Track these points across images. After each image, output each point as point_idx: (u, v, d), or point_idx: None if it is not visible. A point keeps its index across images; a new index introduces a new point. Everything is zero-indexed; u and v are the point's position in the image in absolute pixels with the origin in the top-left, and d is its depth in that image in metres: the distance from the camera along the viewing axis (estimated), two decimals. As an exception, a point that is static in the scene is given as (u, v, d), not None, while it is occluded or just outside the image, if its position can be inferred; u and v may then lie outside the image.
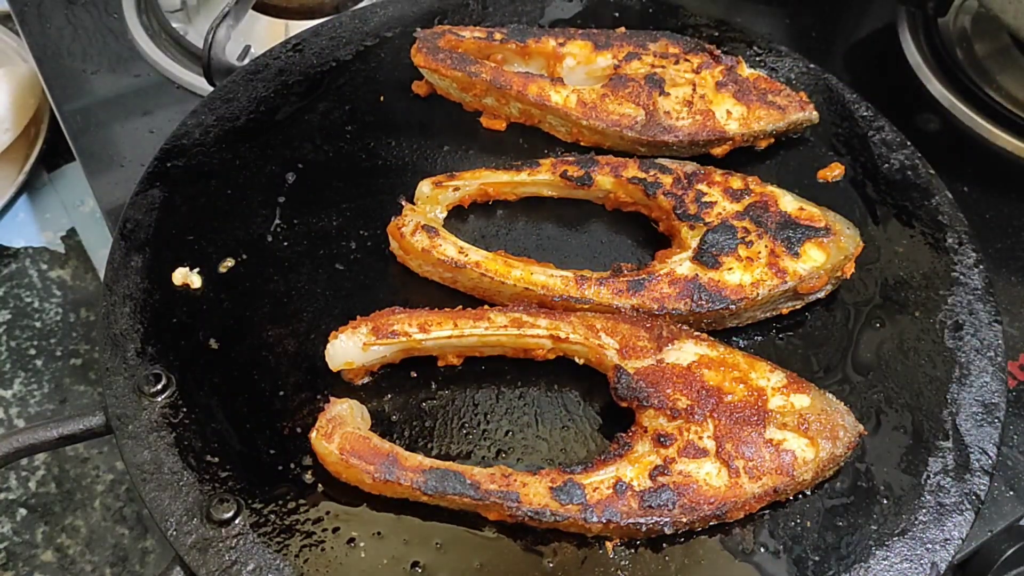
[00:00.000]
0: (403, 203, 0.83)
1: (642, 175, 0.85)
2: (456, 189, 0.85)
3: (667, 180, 0.85)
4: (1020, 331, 0.99)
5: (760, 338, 0.81)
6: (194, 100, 1.14)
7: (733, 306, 0.77)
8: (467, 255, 0.79)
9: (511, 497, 0.67)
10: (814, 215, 0.83)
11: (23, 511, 1.02)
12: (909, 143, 0.93)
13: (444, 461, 0.69)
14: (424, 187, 0.85)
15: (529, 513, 0.67)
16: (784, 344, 0.80)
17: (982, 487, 0.71)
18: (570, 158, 0.88)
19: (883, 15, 1.31)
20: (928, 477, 0.72)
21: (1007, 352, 0.86)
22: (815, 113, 0.92)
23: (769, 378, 0.73)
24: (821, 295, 0.82)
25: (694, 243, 0.81)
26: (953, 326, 0.80)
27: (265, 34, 1.22)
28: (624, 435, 0.71)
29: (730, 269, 0.79)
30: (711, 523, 0.69)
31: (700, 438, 0.69)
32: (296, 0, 1.24)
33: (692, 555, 0.68)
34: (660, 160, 0.88)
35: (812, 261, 0.80)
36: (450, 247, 0.80)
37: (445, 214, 0.87)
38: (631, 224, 0.88)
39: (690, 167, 0.86)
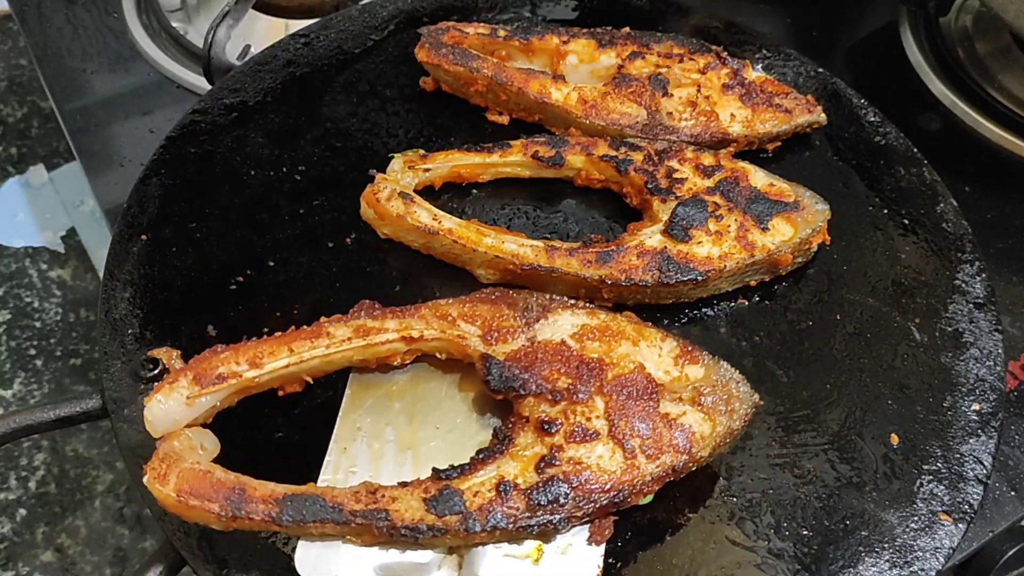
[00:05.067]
0: (374, 173, 0.82)
1: (613, 152, 0.85)
2: (427, 171, 0.85)
3: (638, 157, 0.84)
4: (1020, 331, 0.98)
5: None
6: (194, 100, 1.14)
7: (701, 277, 0.77)
8: (440, 222, 0.79)
9: (379, 516, 0.60)
10: (784, 190, 0.83)
11: (23, 511, 1.01)
12: (915, 149, 0.92)
13: (299, 485, 0.62)
14: (395, 164, 0.84)
15: (403, 531, 0.60)
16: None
17: (975, 496, 0.70)
18: (541, 138, 0.87)
19: (884, 14, 1.31)
20: (921, 485, 0.71)
21: (1007, 352, 0.86)
22: (823, 115, 0.92)
23: (661, 347, 0.68)
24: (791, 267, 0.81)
25: (665, 216, 0.81)
26: (953, 334, 0.80)
27: (265, 34, 1.22)
28: (503, 428, 0.65)
29: (699, 242, 0.79)
30: (610, 512, 0.64)
31: (588, 419, 0.64)
32: (296, -1, 1.24)
33: (688, 550, 0.67)
34: (630, 139, 0.87)
35: (780, 235, 0.80)
36: (424, 214, 0.79)
37: (414, 185, 0.85)
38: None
39: (661, 144, 0.86)
